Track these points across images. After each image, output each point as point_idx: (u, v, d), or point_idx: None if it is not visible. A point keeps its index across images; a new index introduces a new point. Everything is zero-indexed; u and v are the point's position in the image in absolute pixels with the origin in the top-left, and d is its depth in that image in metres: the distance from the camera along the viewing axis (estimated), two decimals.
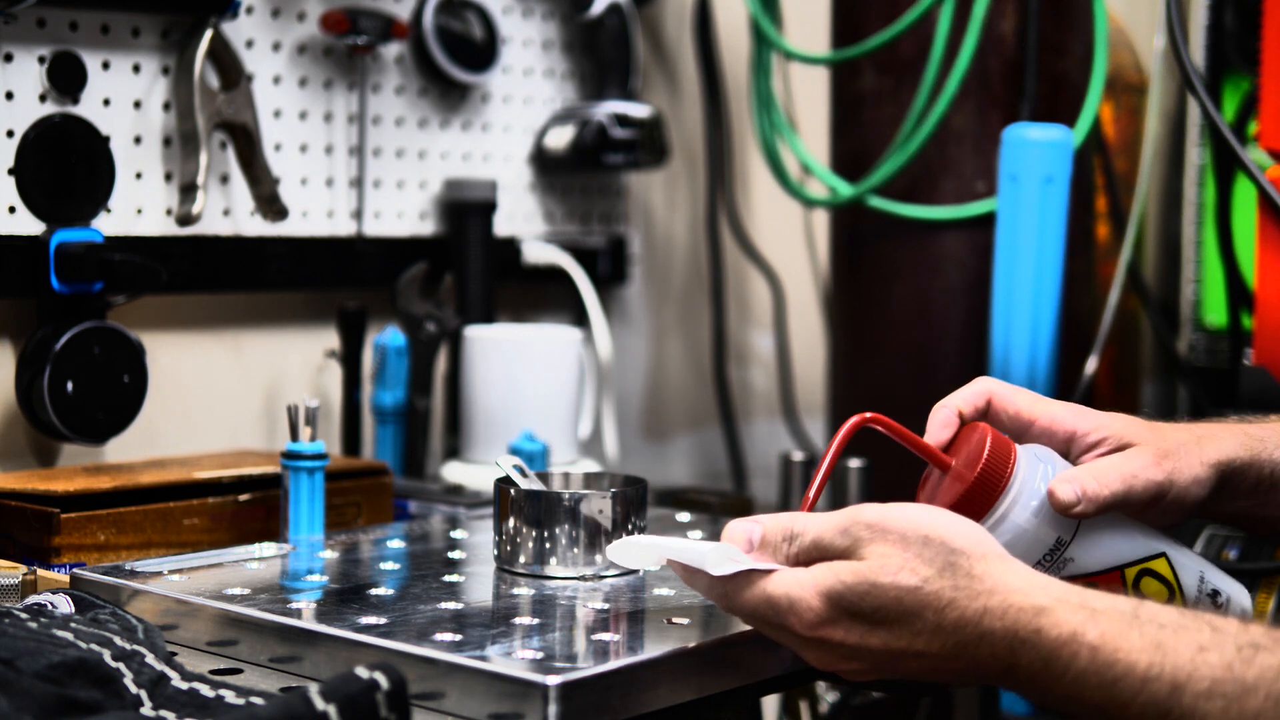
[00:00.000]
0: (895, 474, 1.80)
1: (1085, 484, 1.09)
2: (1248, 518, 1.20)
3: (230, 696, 0.97)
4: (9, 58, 1.51)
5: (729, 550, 1.05)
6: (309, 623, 1.11)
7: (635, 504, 1.27)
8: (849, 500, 1.69)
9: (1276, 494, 1.17)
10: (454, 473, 1.76)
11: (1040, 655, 0.95)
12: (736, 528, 1.06)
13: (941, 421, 1.16)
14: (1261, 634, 0.92)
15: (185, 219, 1.59)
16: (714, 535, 1.43)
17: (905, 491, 1.79)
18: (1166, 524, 1.17)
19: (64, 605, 1.14)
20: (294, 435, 1.41)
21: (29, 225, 1.52)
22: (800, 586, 1.01)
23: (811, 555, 1.03)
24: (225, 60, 1.63)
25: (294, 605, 1.18)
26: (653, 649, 1.05)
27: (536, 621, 1.13)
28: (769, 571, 1.02)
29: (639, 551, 1.13)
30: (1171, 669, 0.91)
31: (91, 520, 1.36)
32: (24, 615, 1.05)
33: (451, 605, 1.15)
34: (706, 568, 1.05)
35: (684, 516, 1.50)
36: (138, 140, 1.60)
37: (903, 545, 1.00)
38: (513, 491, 1.26)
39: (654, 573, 1.27)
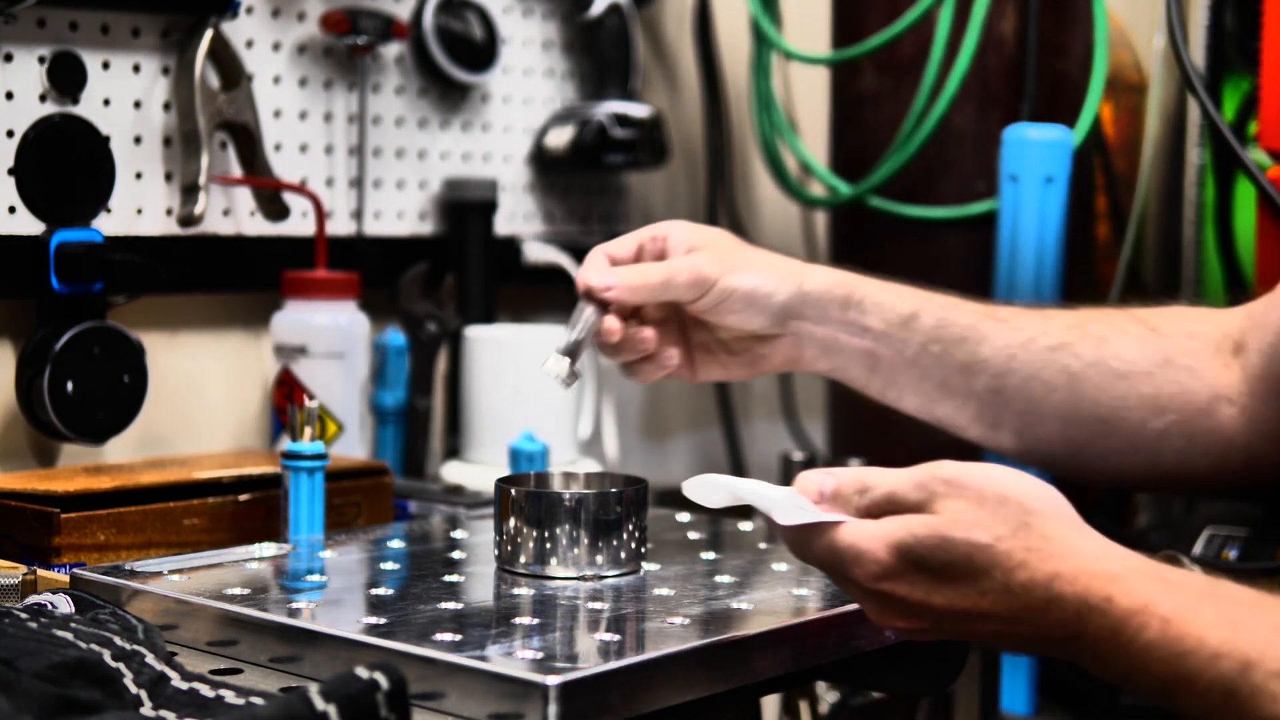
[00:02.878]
0: None
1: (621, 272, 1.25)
2: (837, 346, 1.34)
3: (230, 696, 0.97)
4: (9, 58, 1.51)
5: (798, 499, 1.04)
6: (309, 623, 1.11)
7: (635, 504, 1.27)
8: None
9: (864, 318, 1.32)
10: (454, 473, 1.76)
11: (1109, 624, 0.93)
12: (809, 478, 1.05)
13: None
14: None
15: (188, 220, 1.59)
16: (721, 536, 1.43)
17: None
18: (739, 326, 1.31)
19: (64, 605, 1.14)
20: (294, 435, 1.41)
21: (29, 225, 1.52)
22: (869, 538, 1.00)
23: (884, 509, 1.01)
24: (225, 60, 1.63)
25: (294, 605, 1.18)
26: (653, 649, 1.05)
27: (536, 621, 1.13)
28: (839, 522, 1.01)
29: (712, 490, 1.12)
30: (1244, 647, 0.88)
31: (91, 520, 1.36)
32: (24, 615, 1.05)
33: (451, 605, 1.15)
34: (774, 516, 1.04)
35: (684, 516, 1.50)
36: (138, 140, 1.60)
37: (979, 502, 0.98)
38: (513, 491, 1.26)
39: (654, 573, 1.27)
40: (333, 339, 1.66)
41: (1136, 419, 1.33)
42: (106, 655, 0.99)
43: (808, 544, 1.03)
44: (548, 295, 2.00)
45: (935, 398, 1.35)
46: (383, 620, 1.10)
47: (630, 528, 1.26)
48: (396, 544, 1.37)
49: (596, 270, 1.28)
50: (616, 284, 1.26)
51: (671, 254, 1.31)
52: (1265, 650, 0.88)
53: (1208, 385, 1.33)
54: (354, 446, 1.67)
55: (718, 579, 1.25)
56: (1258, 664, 0.87)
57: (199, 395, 1.70)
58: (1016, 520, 0.97)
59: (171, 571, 1.23)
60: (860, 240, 1.86)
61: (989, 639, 1.00)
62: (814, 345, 1.34)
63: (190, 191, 1.59)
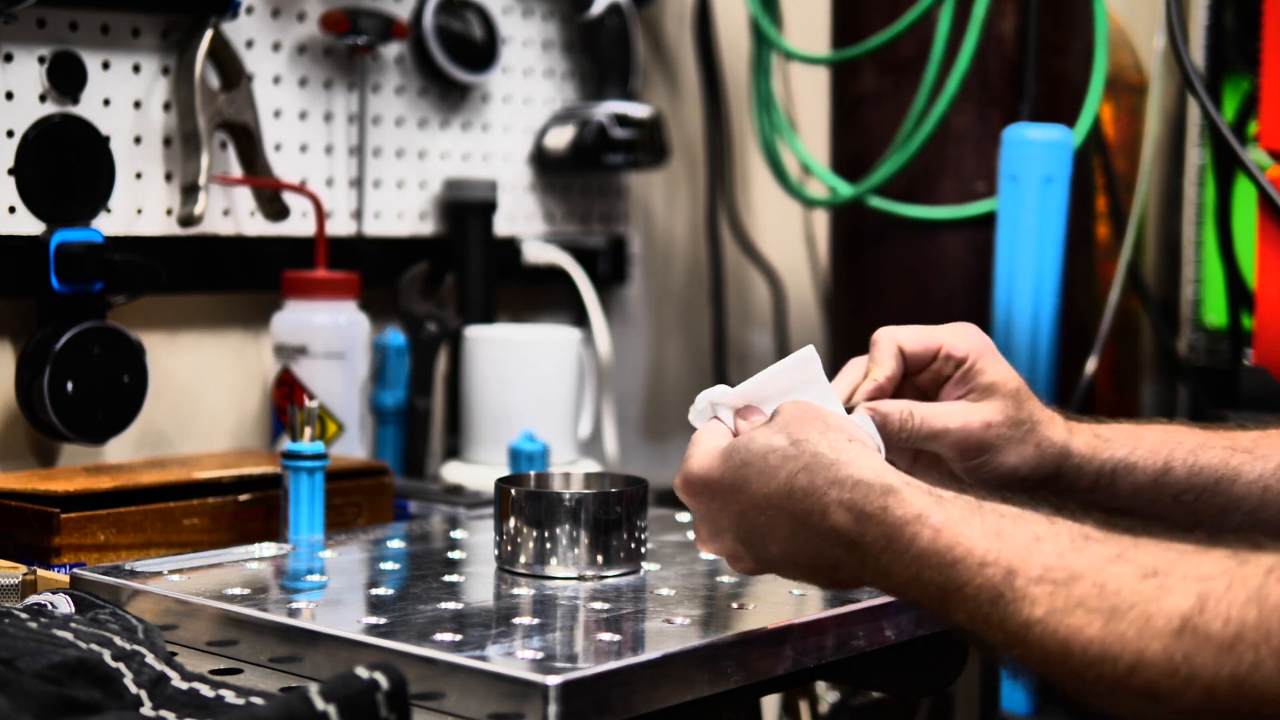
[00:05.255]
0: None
1: (916, 408, 1.16)
2: (1094, 506, 1.21)
3: (230, 696, 0.97)
4: (9, 58, 1.51)
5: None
6: (309, 623, 1.11)
7: (635, 504, 1.27)
8: None
9: (1114, 484, 1.22)
10: (454, 473, 1.76)
11: (885, 532, 0.99)
12: None
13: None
14: (1094, 528, 0.95)
15: (188, 220, 1.59)
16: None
17: None
18: (992, 481, 1.20)
19: (64, 605, 1.14)
20: (294, 435, 1.41)
21: (29, 225, 1.52)
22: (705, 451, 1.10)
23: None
24: (225, 60, 1.63)
25: (294, 605, 1.18)
26: (653, 649, 1.05)
27: (536, 621, 1.13)
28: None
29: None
30: (1008, 555, 0.94)
31: (91, 520, 1.36)
32: (24, 615, 1.05)
33: (451, 605, 1.15)
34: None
35: (684, 516, 1.50)
36: (138, 140, 1.60)
37: (776, 417, 1.07)
38: (513, 491, 1.26)
39: (654, 573, 1.27)
40: (333, 339, 1.66)
41: None
42: (106, 655, 0.99)
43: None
44: (548, 295, 2.00)
45: (1184, 538, 1.30)
46: (383, 620, 1.10)
47: (630, 528, 1.26)
48: (396, 544, 1.37)
49: (880, 377, 1.20)
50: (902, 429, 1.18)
51: (971, 383, 1.22)
52: (1026, 558, 0.94)
53: None
54: (354, 446, 1.67)
55: (718, 579, 1.26)
56: (1019, 571, 0.93)
57: (199, 395, 1.70)
58: (813, 430, 1.05)
59: (171, 571, 1.23)
60: (860, 240, 1.86)
61: (781, 559, 1.05)
62: (1050, 505, 1.20)
63: (190, 191, 1.59)
